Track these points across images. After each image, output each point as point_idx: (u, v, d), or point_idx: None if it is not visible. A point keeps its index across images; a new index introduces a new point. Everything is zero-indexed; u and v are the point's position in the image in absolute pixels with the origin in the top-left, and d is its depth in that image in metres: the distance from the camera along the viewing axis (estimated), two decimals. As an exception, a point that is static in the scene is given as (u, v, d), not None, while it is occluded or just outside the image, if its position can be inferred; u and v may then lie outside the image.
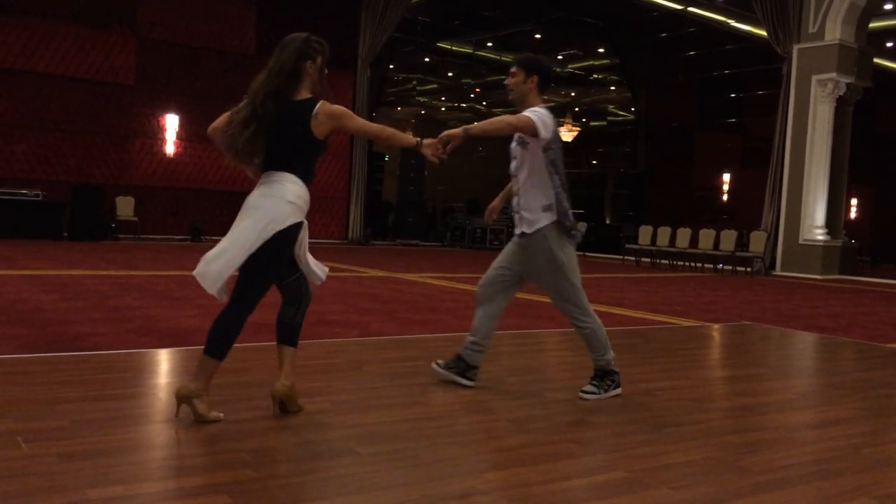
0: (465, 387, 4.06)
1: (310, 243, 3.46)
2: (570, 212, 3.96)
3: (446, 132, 3.60)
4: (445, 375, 4.13)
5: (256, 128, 3.24)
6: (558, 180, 3.90)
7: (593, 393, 3.99)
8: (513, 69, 4.02)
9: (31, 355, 4.39)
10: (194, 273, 3.22)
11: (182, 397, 3.19)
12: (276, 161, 3.33)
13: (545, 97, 4.07)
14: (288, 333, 3.41)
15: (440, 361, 4.22)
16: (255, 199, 3.30)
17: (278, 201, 3.24)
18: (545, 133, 3.81)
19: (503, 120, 3.88)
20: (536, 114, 3.81)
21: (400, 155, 21.67)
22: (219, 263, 3.18)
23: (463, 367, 4.12)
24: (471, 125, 3.72)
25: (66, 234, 14.65)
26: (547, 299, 4.28)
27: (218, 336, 3.23)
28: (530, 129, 3.79)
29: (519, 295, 4.03)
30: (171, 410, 3.17)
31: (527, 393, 4.10)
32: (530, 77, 3.96)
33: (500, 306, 4.14)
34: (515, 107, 4.02)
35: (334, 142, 18.87)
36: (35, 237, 14.05)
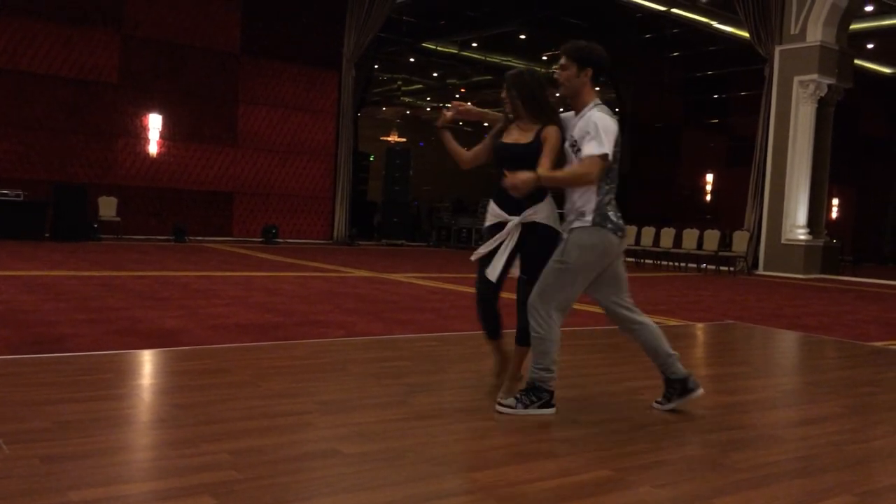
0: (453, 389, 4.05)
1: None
2: (612, 214, 3.61)
3: (520, 175, 3.46)
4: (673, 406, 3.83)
5: None
6: (605, 187, 3.56)
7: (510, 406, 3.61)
8: (563, 61, 3.57)
9: (14, 356, 4.35)
10: None
11: None
12: None
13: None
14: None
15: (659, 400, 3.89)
16: None
17: None
18: (611, 149, 3.48)
19: (574, 174, 3.53)
20: (601, 136, 3.43)
21: (385, 155, 21.63)
22: None
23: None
24: (543, 172, 3.52)
25: (47, 235, 14.52)
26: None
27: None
28: (598, 173, 3.48)
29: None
30: (154, 411, 3.15)
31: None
32: (584, 70, 3.54)
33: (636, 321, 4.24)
34: (569, 102, 3.64)
35: (319, 141, 19.04)
36: (16, 238, 13.90)
